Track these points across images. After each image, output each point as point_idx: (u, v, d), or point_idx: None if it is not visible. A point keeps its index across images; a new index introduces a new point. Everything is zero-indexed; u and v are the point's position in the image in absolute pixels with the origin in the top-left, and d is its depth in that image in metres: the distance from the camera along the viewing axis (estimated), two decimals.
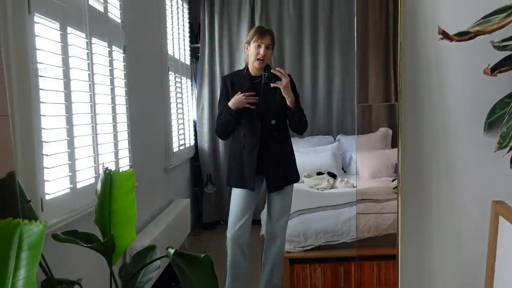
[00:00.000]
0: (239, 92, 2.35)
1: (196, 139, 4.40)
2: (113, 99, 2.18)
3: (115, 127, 2.19)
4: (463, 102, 1.70)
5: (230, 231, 2.44)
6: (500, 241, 1.61)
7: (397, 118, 1.73)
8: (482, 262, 1.74)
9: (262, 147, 2.39)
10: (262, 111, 2.38)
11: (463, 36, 1.30)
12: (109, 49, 2.14)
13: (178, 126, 3.64)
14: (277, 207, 2.50)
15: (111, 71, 2.17)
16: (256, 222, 2.92)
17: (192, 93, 4.35)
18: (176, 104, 3.59)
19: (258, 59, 2.36)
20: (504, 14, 1.23)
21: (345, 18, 4.29)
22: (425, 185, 1.82)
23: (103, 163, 1.89)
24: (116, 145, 2.20)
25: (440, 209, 1.80)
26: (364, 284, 2.86)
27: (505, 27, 1.26)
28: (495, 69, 1.41)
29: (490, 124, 1.62)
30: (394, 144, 3.27)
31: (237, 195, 2.45)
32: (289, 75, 2.35)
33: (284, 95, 2.31)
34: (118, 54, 2.29)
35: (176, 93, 3.59)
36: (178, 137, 3.66)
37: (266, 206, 2.59)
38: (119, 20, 2.31)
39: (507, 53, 1.38)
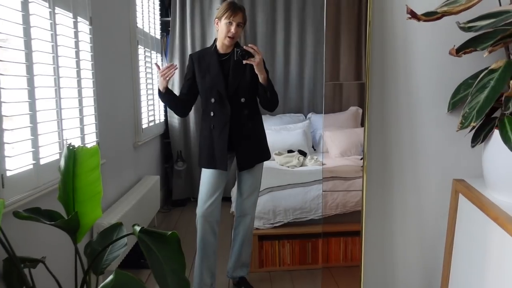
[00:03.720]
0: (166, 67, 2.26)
1: (166, 116, 4.33)
2: (78, 72, 2.10)
3: (80, 101, 2.13)
4: (429, 82, 1.73)
5: (200, 209, 2.43)
6: (459, 218, 1.67)
7: (364, 96, 1.75)
8: (442, 238, 1.81)
9: (232, 126, 2.37)
10: (232, 90, 2.35)
11: (430, 16, 1.31)
12: (74, 20, 2.06)
13: (147, 102, 3.57)
14: (246, 184, 2.50)
15: (76, 43, 2.09)
16: (227, 199, 2.92)
17: None
18: (146, 80, 3.51)
19: (228, 37, 2.31)
20: None
21: None
22: (389, 163, 1.86)
23: (66, 139, 1.84)
24: (82, 120, 2.14)
25: (403, 187, 1.86)
26: (331, 260, 2.93)
27: (471, 8, 1.27)
28: (460, 50, 1.43)
29: (454, 104, 1.66)
30: (364, 123, 3.32)
31: (207, 173, 2.44)
32: None
33: (257, 72, 2.27)
34: (84, 26, 2.20)
35: (145, 68, 3.50)
36: (148, 113, 3.59)
37: (236, 183, 2.59)
38: None
39: (472, 34, 1.40)
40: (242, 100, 2.37)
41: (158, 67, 2.30)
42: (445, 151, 1.76)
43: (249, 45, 2.23)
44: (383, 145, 1.85)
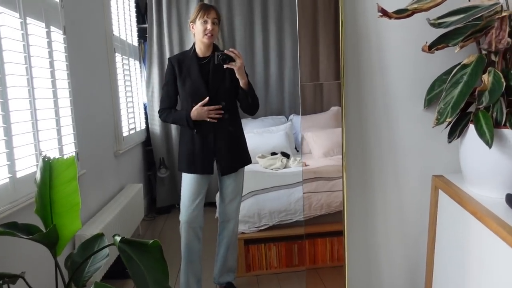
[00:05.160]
0: (200, 105, 2.31)
1: (147, 123, 4.28)
2: (53, 82, 2.07)
3: (57, 112, 2.09)
4: (404, 79, 1.75)
5: (183, 215, 2.42)
6: (440, 214, 1.69)
7: (340, 95, 1.76)
8: (424, 234, 1.83)
9: (213, 130, 2.38)
10: (212, 94, 2.35)
11: (401, 13, 1.33)
12: (47, 29, 2.03)
13: (127, 109, 3.53)
14: (229, 189, 2.50)
15: (50, 53, 2.05)
16: (211, 204, 2.90)
17: (141, 75, 4.22)
18: (125, 87, 3.47)
19: (206, 35, 2.32)
20: None
21: None
22: (369, 162, 1.87)
23: (42, 151, 1.80)
24: (59, 131, 2.10)
25: (384, 184, 1.87)
26: (318, 260, 2.93)
27: (441, 4, 1.29)
28: (432, 47, 1.44)
29: (430, 101, 1.68)
30: (341, 123, 3.34)
31: (188, 179, 2.42)
32: None
33: (238, 76, 2.29)
34: (58, 35, 2.17)
35: (124, 76, 3.47)
36: (128, 121, 3.56)
37: (218, 189, 2.58)
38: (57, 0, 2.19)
39: (443, 30, 1.42)
40: (223, 104, 2.37)
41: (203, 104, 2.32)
42: (424, 148, 1.78)
43: (230, 49, 2.25)
44: (362, 144, 1.87)
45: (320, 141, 3.98)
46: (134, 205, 3.28)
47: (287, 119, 4.49)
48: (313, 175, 2.93)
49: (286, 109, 4.56)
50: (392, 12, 1.33)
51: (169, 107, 2.45)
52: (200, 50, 2.39)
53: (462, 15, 1.30)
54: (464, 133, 1.44)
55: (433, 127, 1.40)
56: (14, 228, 1.29)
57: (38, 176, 1.32)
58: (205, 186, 2.44)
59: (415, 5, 1.30)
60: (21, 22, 1.80)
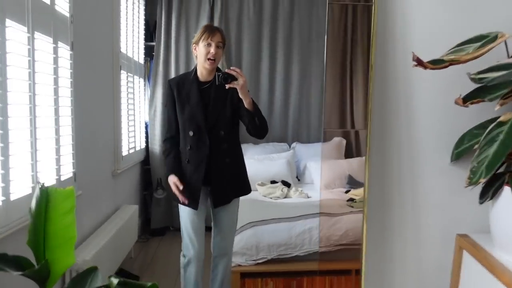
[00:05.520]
0: (175, 183, 2.16)
1: (147, 142, 4.21)
2: (56, 100, 1.99)
3: (57, 131, 2.01)
4: (431, 130, 1.66)
5: (190, 250, 2.29)
6: (464, 277, 1.57)
7: (365, 143, 1.68)
8: None
9: (209, 161, 2.22)
10: (211, 122, 2.21)
11: (437, 64, 1.26)
12: (54, 45, 1.96)
13: (128, 128, 3.45)
14: (223, 222, 2.35)
15: (56, 69, 1.98)
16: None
17: (145, 94, 4.16)
18: (128, 105, 3.40)
19: (209, 59, 2.16)
20: (478, 44, 1.19)
21: (304, 23, 4.26)
22: (390, 213, 1.77)
23: (38, 180, 1.71)
24: (58, 150, 2.02)
25: (404, 238, 1.76)
26: None
27: (479, 57, 1.22)
28: (467, 100, 1.37)
29: (458, 155, 1.58)
30: (348, 155, 3.27)
31: (184, 213, 2.29)
32: None
33: (241, 96, 2.10)
34: (65, 51, 2.10)
35: (127, 94, 3.40)
36: (128, 140, 3.47)
37: (212, 220, 2.41)
38: (67, 14, 2.13)
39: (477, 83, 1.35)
40: (222, 133, 2.22)
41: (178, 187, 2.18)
42: (448, 203, 1.68)
43: (231, 67, 2.08)
44: (384, 194, 1.77)
45: (322, 172, 3.91)
46: (128, 228, 3.17)
47: (289, 147, 4.42)
48: (315, 208, 2.84)
49: (289, 136, 4.49)
50: (428, 62, 1.25)
51: (171, 136, 2.31)
52: (201, 74, 2.24)
53: (504, 72, 1.22)
54: (497, 194, 1.35)
55: (466, 187, 1.31)
56: (3, 261, 1.19)
57: (33, 205, 1.23)
58: (202, 217, 2.32)
59: (452, 56, 1.23)
60: (28, 37, 1.74)
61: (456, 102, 1.39)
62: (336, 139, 4.27)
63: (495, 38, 1.24)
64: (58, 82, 2.02)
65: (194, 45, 2.23)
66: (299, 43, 4.31)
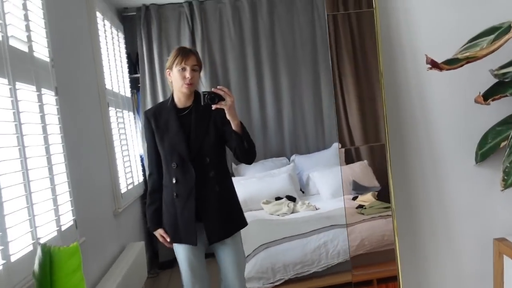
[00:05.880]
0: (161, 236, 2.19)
1: (144, 175, 4.12)
2: (47, 149, 1.91)
3: (52, 180, 1.93)
4: (451, 132, 1.60)
5: None
6: (508, 283, 1.48)
7: (386, 156, 1.61)
8: None
9: (198, 192, 2.07)
10: (195, 150, 2.07)
11: (453, 64, 1.18)
12: (38, 93, 1.89)
13: (124, 164, 3.37)
14: (227, 261, 2.16)
15: (43, 117, 1.91)
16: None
17: (135, 127, 4.08)
18: (120, 141, 3.33)
19: (185, 84, 2.03)
20: (492, 37, 1.13)
21: (286, 33, 4.23)
22: (419, 225, 1.69)
23: (38, 239, 1.62)
24: (55, 200, 1.93)
25: (437, 248, 1.68)
26: None
27: (497, 50, 1.15)
28: (487, 97, 1.29)
29: (483, 155, 1.50)
30: (348, 160, 3.20)
31: (180, 249, 2.18)
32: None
33: (229, 117, 1.96)
34: (50, 97, 2.03)
35: (118, 130, 3.33)
36: (126, 176, 3.39)
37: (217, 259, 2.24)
38: (47, 59, 2.06)
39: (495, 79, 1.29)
40: (207, 160, 2.08)
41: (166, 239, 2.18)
42: (478, 207, 1.60)
43: (218, 87, 1.95)
44: (410, 206, 1.69)
45: (326, 181, 3.84)
46: (137, 266, 3.07)
47: (289, 160, 4.34)
48: (327, 222, 2.77)
49: (287, 149, 4.40)
50: (443, 63, 1.18)
51: (151, 173, 2.21)
52: (179, 100, 2.11)
53: None
54: None
55: (502, 190, 1.24)
56: None
57: (36, 267, 1.14)
58: (201, 253, 2.18)
59: (467, 53, 1.16)
60: (10, 88, 1.67)
61: (477, 101, 1.32)
62: (335, 145, 4.20)
63: (509, 28, 1.17)
64: (47, 129, 1.94)
65: (167, 70, 2.11)
66: (284, 53, 4.26)
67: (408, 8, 1.54)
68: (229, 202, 2.17)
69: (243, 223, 2.21)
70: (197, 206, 2.08)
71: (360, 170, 3.14)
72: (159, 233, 2.14)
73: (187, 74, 2.02)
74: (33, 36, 1.91)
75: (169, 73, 2.10)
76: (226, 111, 1.95)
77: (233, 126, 1.98)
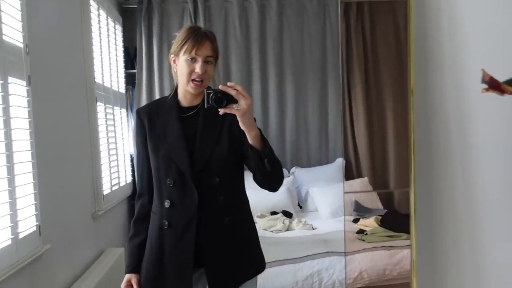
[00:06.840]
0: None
1: (133, 175, 3.89)
2: (8, 145, 1.68)
3: (11, 181, 1.70)
4: (495, 166, 1.33)
5: None
6: None
7: (410, 201, 1.36)
8: None
9: (201, 224, 1.50)
10: (200, 165, 1.50)
11: None
12: (1, 81, 1.66)
13: (110, 164, 3.14)
14: None
15: (6, 109, 1.68)
16: None
17: (128, 124, 3.85)
18: (108, 139, 3.10)
19: (192, 80, 1.48)
20: None
21: (296, 39, 4.00)
22: (441, 262, 1.44)
23: None
24: (12, 204, 1.70)
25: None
26: None
27: None
28: None
29: None
30: (348, 176, 2.94)
31: None
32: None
33: (243, 127, 1.37)
34: (18, 87, 1.80)
35: (107, 127, 3.10)
36: (111, 176, 3.16)
37: None
38: (21, 45, 1.84)
39: None
40: (216, 180, 1.51)
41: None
42: None
43: (228, 83, 1.36)
44: (432, 241, 1.43)
45: (326, 198, 3.59)
46: (114, 272, 2.83)
47: (289, 172, 4.08)
48: (324, 247, 2.52)
49: (288, 161, 4.14)
50: (505, 84, 0.88)
51: (141, 193, 1.63)
52: (184, 97, 1.56)
53: None
54: None
55: None
56: None
57: None
58: None
59: None
60: None
61: None
62: (339, 160, 3.95)
63: None
64: (11, 124, 1.71)
65: (172, 56, 1.53)
66: (291, 59, 4.03)
67: (453, 3, 1.27)
68: (242, 241, 1.57)
69: (260, 267, 1.61)
70: (197, 244, 1.50)
71: (361, 189, 2.90)
72: (132, 280, 1.56)
73: (197, 68, 1.46)
74: (3, 17, 1.69)
75: (174, 60, 1.53)
76: (238, 118, 1.37)
77: (249, 139, 1.40)
